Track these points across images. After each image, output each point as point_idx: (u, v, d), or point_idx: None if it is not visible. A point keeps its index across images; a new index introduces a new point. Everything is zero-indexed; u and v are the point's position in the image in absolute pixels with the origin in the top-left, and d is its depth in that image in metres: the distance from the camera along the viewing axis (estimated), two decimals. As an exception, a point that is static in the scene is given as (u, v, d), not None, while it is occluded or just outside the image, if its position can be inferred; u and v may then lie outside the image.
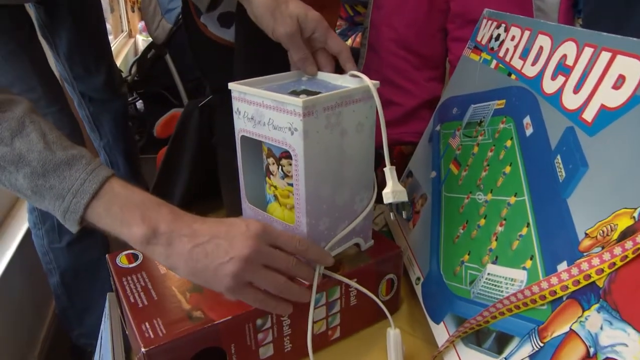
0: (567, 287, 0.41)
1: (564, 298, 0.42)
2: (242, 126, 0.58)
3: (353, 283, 0.62)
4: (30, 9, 1.12)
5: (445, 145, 0.76)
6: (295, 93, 0.58)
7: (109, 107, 1.34)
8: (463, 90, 0.77)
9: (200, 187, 0.90)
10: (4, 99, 0.51)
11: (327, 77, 0.64)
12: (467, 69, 0.78)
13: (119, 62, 3.31)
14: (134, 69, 2.44)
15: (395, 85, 0.90)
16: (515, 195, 0.55)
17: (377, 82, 0.59)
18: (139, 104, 2.53)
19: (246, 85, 0.57)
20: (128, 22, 4.60)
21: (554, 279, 0.43)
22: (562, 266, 0.44)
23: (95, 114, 1.34)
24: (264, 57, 0.69)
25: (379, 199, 0.64)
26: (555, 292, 0.42)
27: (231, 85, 0.57)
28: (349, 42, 1.61)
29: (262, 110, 0.55)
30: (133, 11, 4.56)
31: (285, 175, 0.58)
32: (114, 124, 1.37)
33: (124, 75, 2.56)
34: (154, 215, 0.49)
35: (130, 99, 2.54)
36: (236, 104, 0.58)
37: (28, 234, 1.19)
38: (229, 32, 0.76)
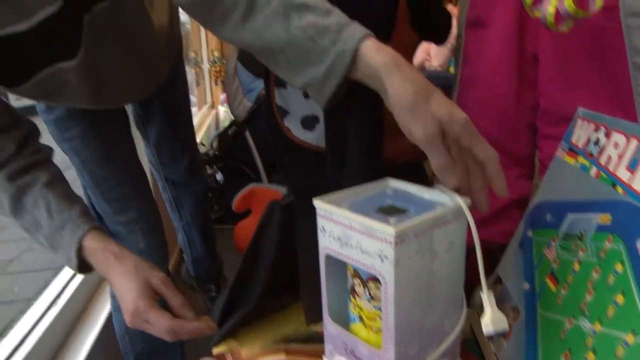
0: None
1: None
2: (327, 245, 0.57)
3: (443, 415, 0.57)
4: (128, 105, 1.21)
5: (539, 255, 0.71)
6: (382, 211, 0.56)
7: (190, 190, 1.41)
8: (558, 196, 0.72)
9: (281, 284, 0.89)
10: (29, 181, 0.72)
11: (415, 189, 0.62)
12: (562, 172, 0.73)
13: (201, 133, 3.50)
14: (215, 144, 2.57)
15: (482, 184, 0.87)
16: (633, 333, 0.49)
17: (469, 200, 0.56)
18: (219, 176, 2.64)
19: (331, 204, 0.56)
20: (212, 94, 4.91)
21: None
22: None
23: (177, 196, 1.41)
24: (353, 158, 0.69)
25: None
26: None
27: (316, 204, 0.57)
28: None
29: (349, 232, 0.53)
30: (216, 84, 4.88)
31: (372, 298, 0.56)
32: (193, 204, 1.44)
33: (205, 148, 2.69)
34: (104, 261, 0.71)
35: (210, 171, 2.65)
36: (321, 222, 0.57)
37: (110, 316, 1.23)
38: (312, 135, 0.77)
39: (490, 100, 0.86)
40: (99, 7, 0.80)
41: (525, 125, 0.86)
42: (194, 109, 4.48)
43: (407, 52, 0.79)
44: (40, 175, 0.73)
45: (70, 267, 0.73)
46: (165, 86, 1.14)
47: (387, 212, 0.56)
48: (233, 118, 2.44)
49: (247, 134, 2.34)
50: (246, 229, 2.10)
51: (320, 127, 0.75)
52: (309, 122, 0.76)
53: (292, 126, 0.77)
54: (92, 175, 1.04)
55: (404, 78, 0.55)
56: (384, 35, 0.70)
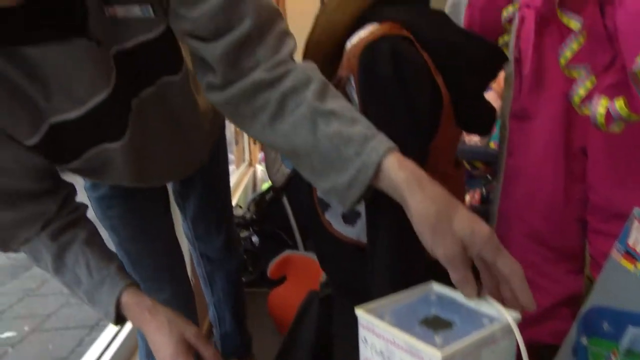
0: None
1: None
2: (369, 357, 0.54)
3: None
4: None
5: (596, 368, 0.66)
6: (427, 323, 0.54)
7: (224, 266, 1.41)
8: (615, 303, 0.67)
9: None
10: (69, 239, 0.77)
11: (460, 297, 0.60)
12: (618, 277, 0.69)
13: (238, 192, 3.55)
14: (252, 207, 2.59)
15: (528, 280, 0.83)
16: None
17: (518, 315, 0.53)
18: (255, 239, 2.64)
19: (373, 315, 0.54)
20: (250, 153, 5.01)
21: None
22: None
23: (211, 272, 1.41)
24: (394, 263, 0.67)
25: None
26: None
27: (358, 313, 0.55)
28: (467, 198, 1.57)
29: (392, 348, 0.51)
30: (255, 143, 4.97)
31: (416, 419, 0.52)
32: (226, 281, 1.43)
33: (242, 211, 2.72)
34: (139, 316, 0.76)
35: (246, 234, 2.66)
36: (363, 332, 0.55)
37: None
38: (352, 230, 0.76)
39: (537, 194, 0.83)
40: (147, 92, 0.83)
41: (573, 219, 0.83)
42: (231, 167, 4.57)
43: (452, 147, 0.78)
44: (79, 232, 0.78)
45: (108, 320, 0.78)
46: (207, 165, 1.16)
47: (432, 325, 0.54)
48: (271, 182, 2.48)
49: (285, 200, 2.36)
50: (281, 296, 2.06)
51: (362, 222, 0.74)
52: (350, 217, 0.75)
53: (333, 220, 0.76)
54: (128, 254, 1.06)
55: (425, 197, 0.56)
56: (429, 134, 0.70)
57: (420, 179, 0.57)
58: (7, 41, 0.65)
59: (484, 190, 1.68)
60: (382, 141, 0.60)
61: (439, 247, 0.55)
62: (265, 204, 2.52)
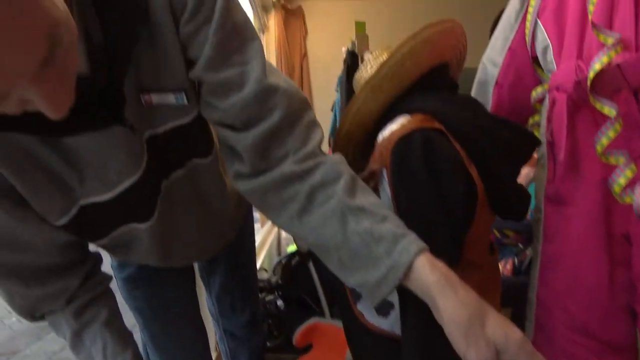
0: None
1: None
2: None
3: None
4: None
5: None
6: None
7: (247, 344, 1.37)
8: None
9: None
10: (90, 317, 0.77)
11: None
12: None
13: (262, 253, 3.51)
14: (278, 271, 2.56)
15: (573, 375, 0.78)
16: None
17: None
18: (280, 302, 2.59)
19: None
20: (274, 211, 4.99)
21: None
22: None
23: (234, 349, 1.37)
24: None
25: None
26: None
27: None
28: (499, 268, 1.52)
29: None
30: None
31: None
32: (249, 358, 1.39)
33: (267, 275, 2.68)
34: None
35: (272, 297, 2.62)
36: None
37: None
38: (385, 321, 0.73)
39: (579, 282, 0.79)
40: (177, 174, 0.83)
41: (620, 308, 0.78)
42: (256, 226, 4.53)
43: (487, 234, 0.77)
44: (101, 311, 0.79)
45: None
46: (233, 241, 1.16)
47: None
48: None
49: (311, 265, 2.32)
50: (308, 366, 2.00)
51: (395, 313, 0.72)
52: (383, 308, 0.73)
53: (366, 312, 0.74)
54: (151, 336, 1.05)
55: (457, 301, 0.55)
56: (464, 226, 0.68)
57: (451, 281, 0.56)
58: (49, 133, 0.67)
59: (515, 260, 1.63)
60: (412, 241, 0.59)
61: (471, 352, 0.54)
62: (291, 269, 2.49)
